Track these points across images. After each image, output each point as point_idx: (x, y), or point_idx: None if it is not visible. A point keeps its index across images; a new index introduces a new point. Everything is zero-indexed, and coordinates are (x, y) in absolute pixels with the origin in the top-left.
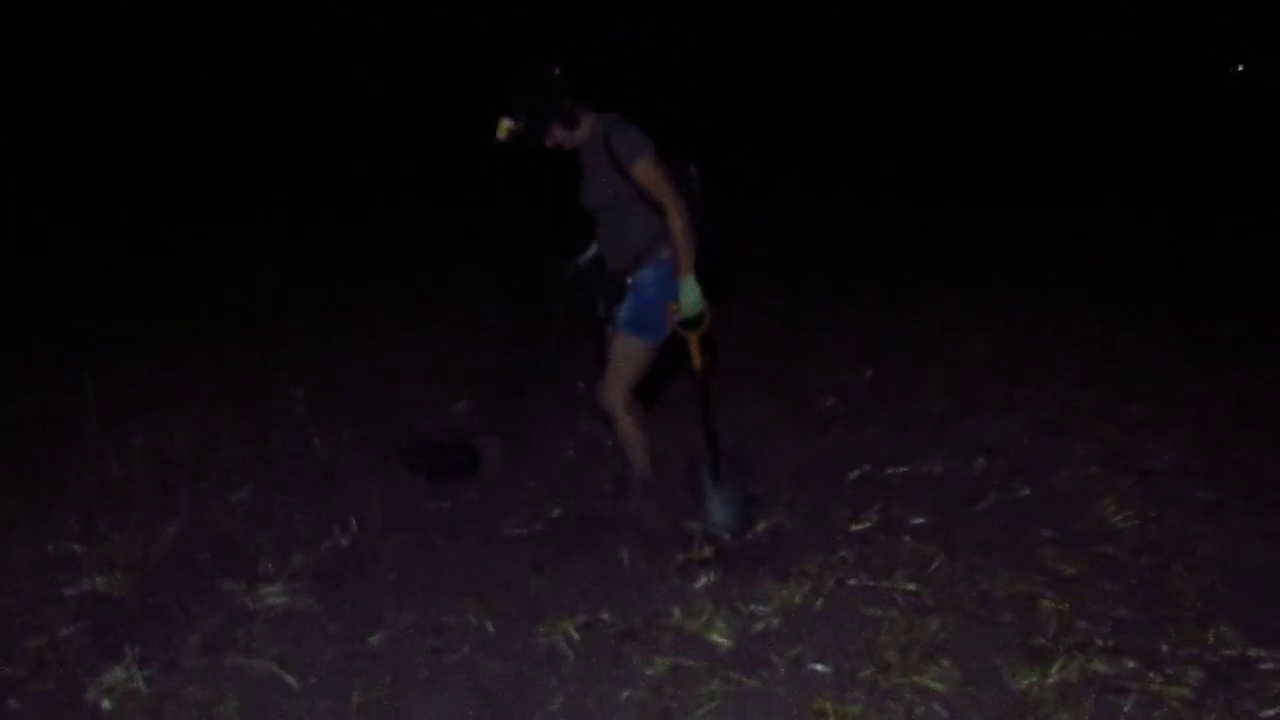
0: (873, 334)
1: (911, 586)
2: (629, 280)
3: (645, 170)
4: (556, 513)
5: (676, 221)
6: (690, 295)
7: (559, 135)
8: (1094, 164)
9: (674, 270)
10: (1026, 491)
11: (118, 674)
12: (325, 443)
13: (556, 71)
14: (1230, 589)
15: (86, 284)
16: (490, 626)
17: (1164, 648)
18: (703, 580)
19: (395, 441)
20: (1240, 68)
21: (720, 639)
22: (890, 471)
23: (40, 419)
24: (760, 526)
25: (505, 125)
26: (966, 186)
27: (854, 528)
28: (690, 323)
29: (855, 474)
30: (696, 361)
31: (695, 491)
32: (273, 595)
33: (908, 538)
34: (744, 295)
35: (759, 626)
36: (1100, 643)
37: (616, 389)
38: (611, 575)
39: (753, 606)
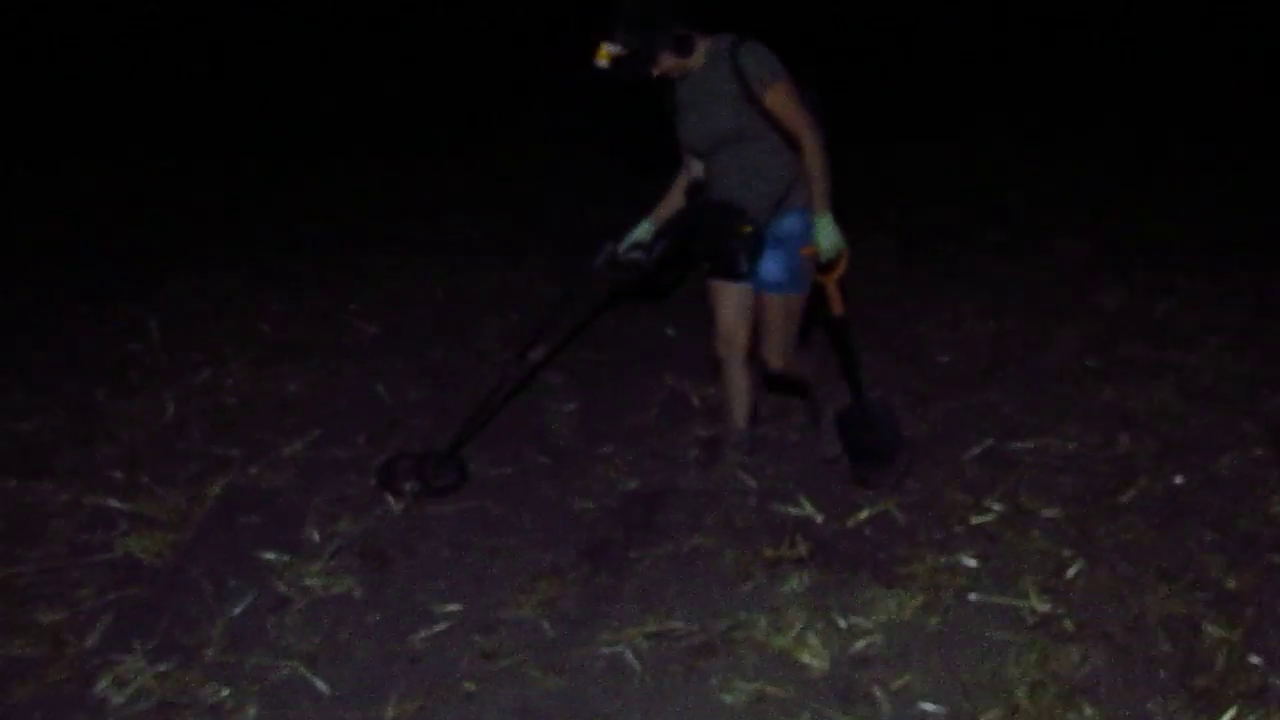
0: (996, 278)
1: (1046, 605)
2: (769, 231)
3: (784, 92)
4: (633, 484)
5: (816, 151)
6: (832, 235)
7: (668, 62)
8: (1230, 80)
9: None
10: (1180, 479)
11: (131, 665)
12: (391, 386)
13: None
14: None
15: (152, 204)
16: (548, 628)
17: None
18: (794, 583)
19: (463, 389)
20: None
21: (813, 660)
22: (1017, 447)
23: (102, 360)
24: (863, 514)
25: (606, 50)
26: (1085, 97)
27: (975, 520)
28: (826, 265)
29: (976, 450)
30: (836, 306)
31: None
32: (311, 575)
33: (1039, 534)
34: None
35: (859, 645)
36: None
37: (784, 349)
38: (688, 569)
39: (853, 620)
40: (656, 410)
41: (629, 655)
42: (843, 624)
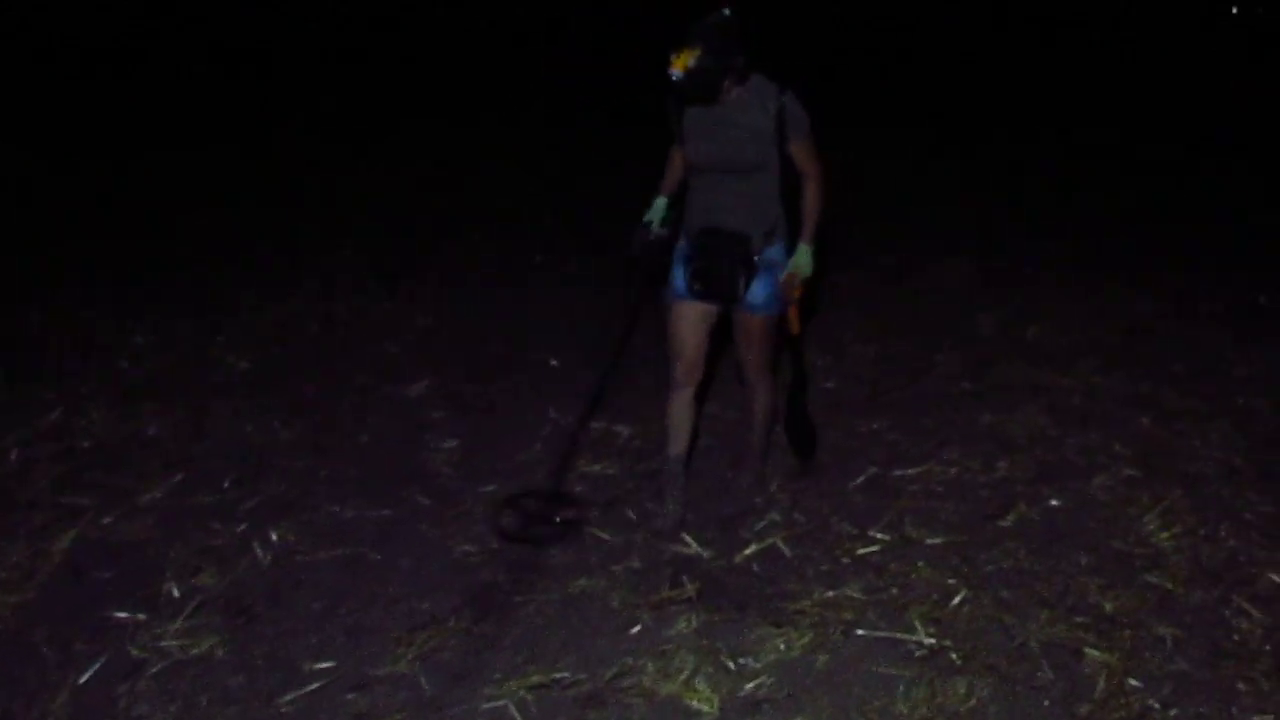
0: (879, 303)
1: (932, 637)
2: (759, 258)
3: (810, 143)
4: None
5: (819, 190)
6: (808, 262)
7: (728, 85)
8: (1108, 106)
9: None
10: (1056, 502)
11: None
12: (260, 425)
13: (736, 17)
14: None
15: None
16: (426, 683)
17: (1234, 711)
18: (682, 624)
19: (338, 428)
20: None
21: (702, 705)
22: (901, 474)
23: None
24: (750, 549)
25: (686, 58)
26: (973, 118)
27: (861, 551)
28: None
29: (861, 479)
30: (795, 325)
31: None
32: (169, 635)
33: (924, 564)
34: None
35: (749, 688)
36: (1158, 707)
37: (766, 361)
38: (574, 614)
39: (742, 661)
40: (541, 445)
41: (512, 709)
42: (732, 666)
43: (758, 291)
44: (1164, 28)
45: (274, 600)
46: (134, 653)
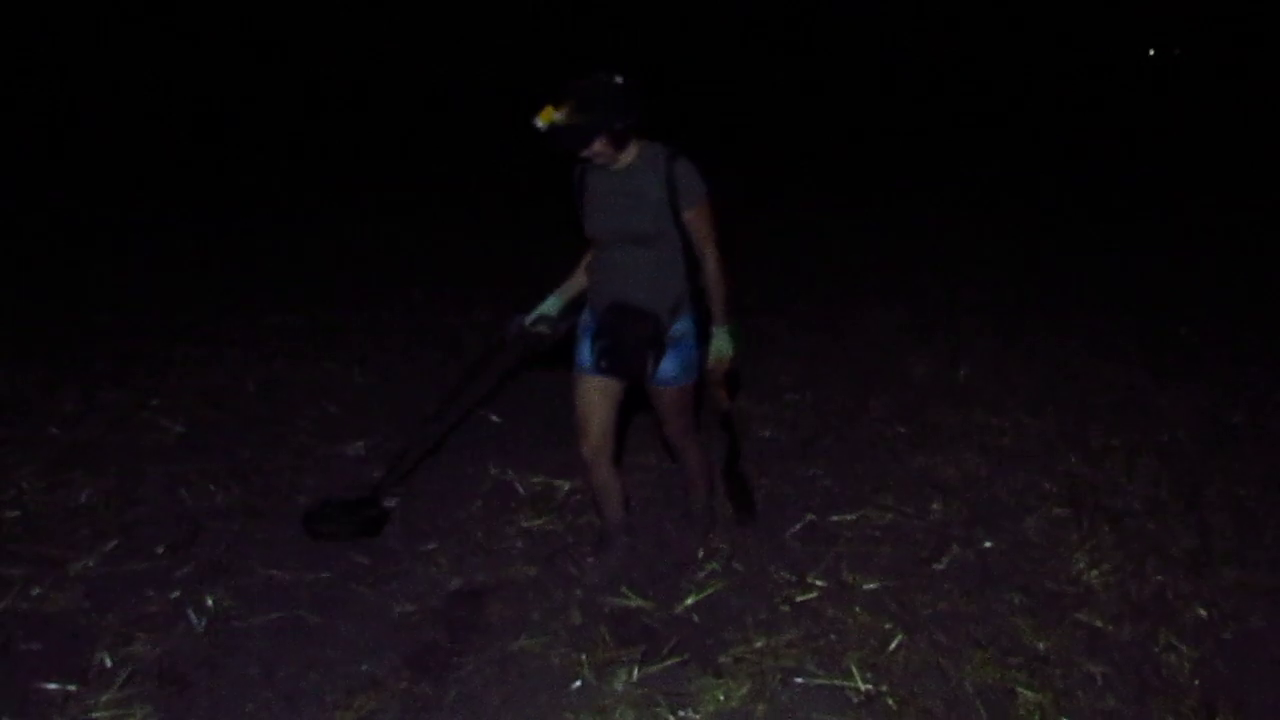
0: (811, 350)
1: (869, 683)
2: (666, 334)
3: (704, 212)
4: (457, 582)
5: (718, 267)
6: (726, 344)
7: (599, 148)
8: (1017, 151)
9: (702, 318)
10: (989, 543)
11: None
12: (196, 492)
13: (622, 81)
14: (1228, 663)
15: None
16: None
17: None
18: (622, 678)
19: (274, 491)
20: (1151, 52)
21: None
22: (838, 520)
23: None
24: (690, 599)
25: (551, 113)
26: (894, 175)
27: (799, 598)
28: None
29: (798, 526)
30: (724, 401)
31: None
32: (100, 707)
33: (860, 609)
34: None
35: None
36: None
37: (685, 427)
38: (513, 672)
39: (682, 714)
40: (481, 502)
41: None
42: (671, 718)
43: (667, 367)
44: (1078, 69)
45: (209, 667)
46: None
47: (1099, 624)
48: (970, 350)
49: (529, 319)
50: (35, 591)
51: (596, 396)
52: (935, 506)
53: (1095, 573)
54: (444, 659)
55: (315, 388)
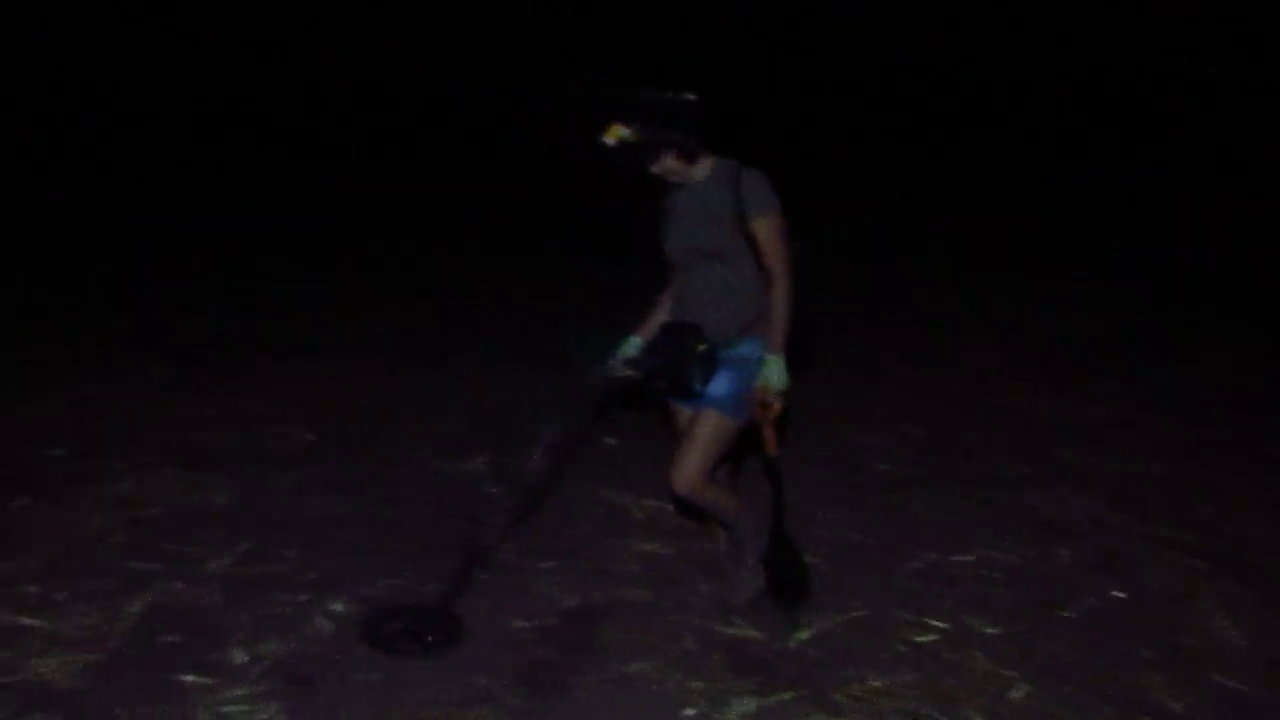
0: (921, 380)
1: None
2: (727, 351)
3: (774, 225)
4: (572, 602)
5: (784, 289)
6: (782, 375)
7: (670, 164)
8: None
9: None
10: (1120, 594)
11: None
12: (322, 500)
13: (694, 98)
14: None
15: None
16: None
17: None
18: (737, 709)
19: (395, 502)
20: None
21: None
22: (957, 560)
23: (19, 465)
24: (805, 633)
25: (619, 130)
26: (1001, 200)
27: (918, 639)
28: (767, 405)
29: (917, 564)
30: (771, 445)
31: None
32: (234, 700)
33: (980, 654)
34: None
35: None
36: None
37: (697, 469)
38: (628, 695)
39: None
40: (594, 524)
41: None
42: None
43: (717, 385)
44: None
45: (334, 671)
46: (201, 715)
47: (1241, 687)
48: (1093, 387)
49: (612, 365)
50: (175, 586)
51: (683, 422)
52: (1060, 551)
53: (1236, 633)
54: (557, 677)
55: (434, 402)
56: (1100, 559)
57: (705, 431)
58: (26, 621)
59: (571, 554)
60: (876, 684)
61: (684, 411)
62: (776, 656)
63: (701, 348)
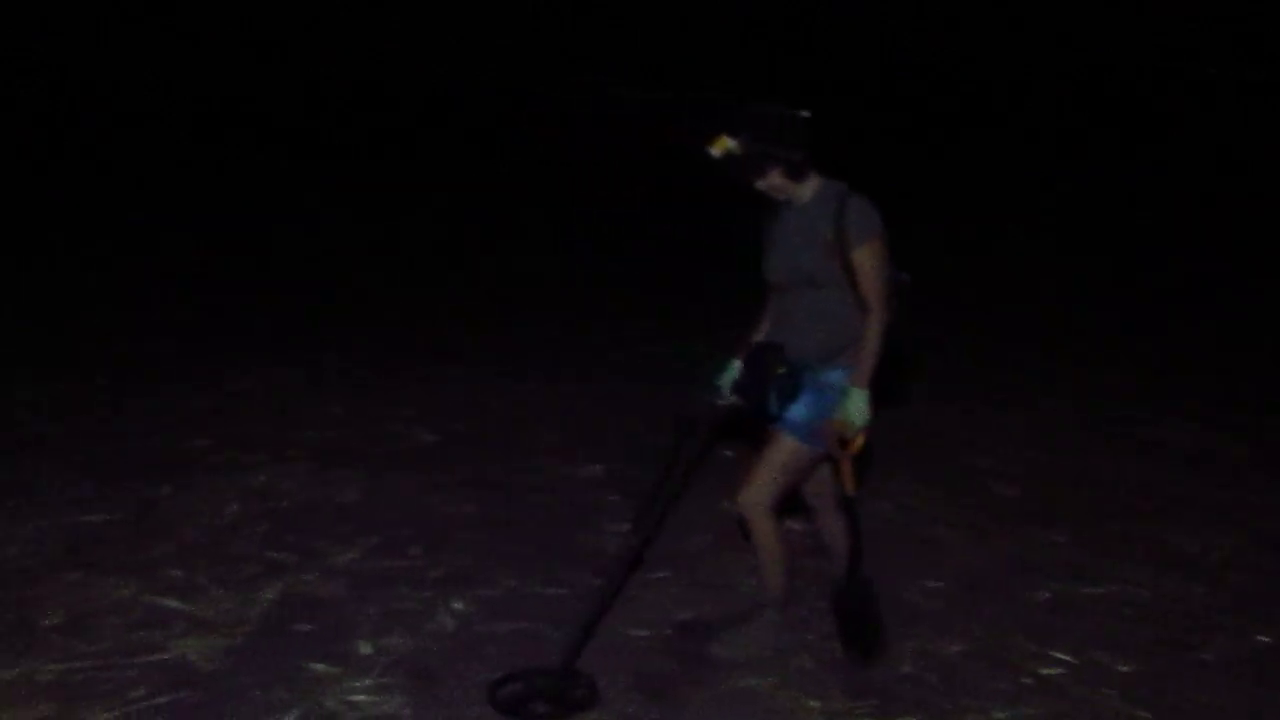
0: (1051, 409)
1: None
2: (813, 376)
3: (872, 254)
4: (687, 614)
5: (879, 321)
6: (863, 410)
7: (775, 180)
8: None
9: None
10: (1264, 638)
11: None
12: (445, 499)
13: (806, 115)
14: None
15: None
16: None
17: None
18: None
19: (514, 504)
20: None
21: None
22: (1086, 592)
23: (165, 454)
24: (924, 659)
25: (726, 142)
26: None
27: (1043, 671)
28: (846, 441)
29: (1043, 594)
30: (849, 484)
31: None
32: (360, 691)
33: (1110, 692)
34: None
35: None
36: None
37: (766, 493)
38: (743, 709)
39: None
40: (712, 536)
41: None
42: None
43: (798, 410)
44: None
45: (455, 667)
46: (329, 704)
47: None
48: (1232, 420)
49: (715, 393)
50: (307, 577)
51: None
52: (1196, 589)
53: None
54: (673, 687)
55: (552, 410)
56: (1239, 599)
57: (777, 456)
58: (171, 604)
59: (688, 566)
60: (1000, 715)
61: (772, 433)
62: (895, 680)
63: (781, 370)
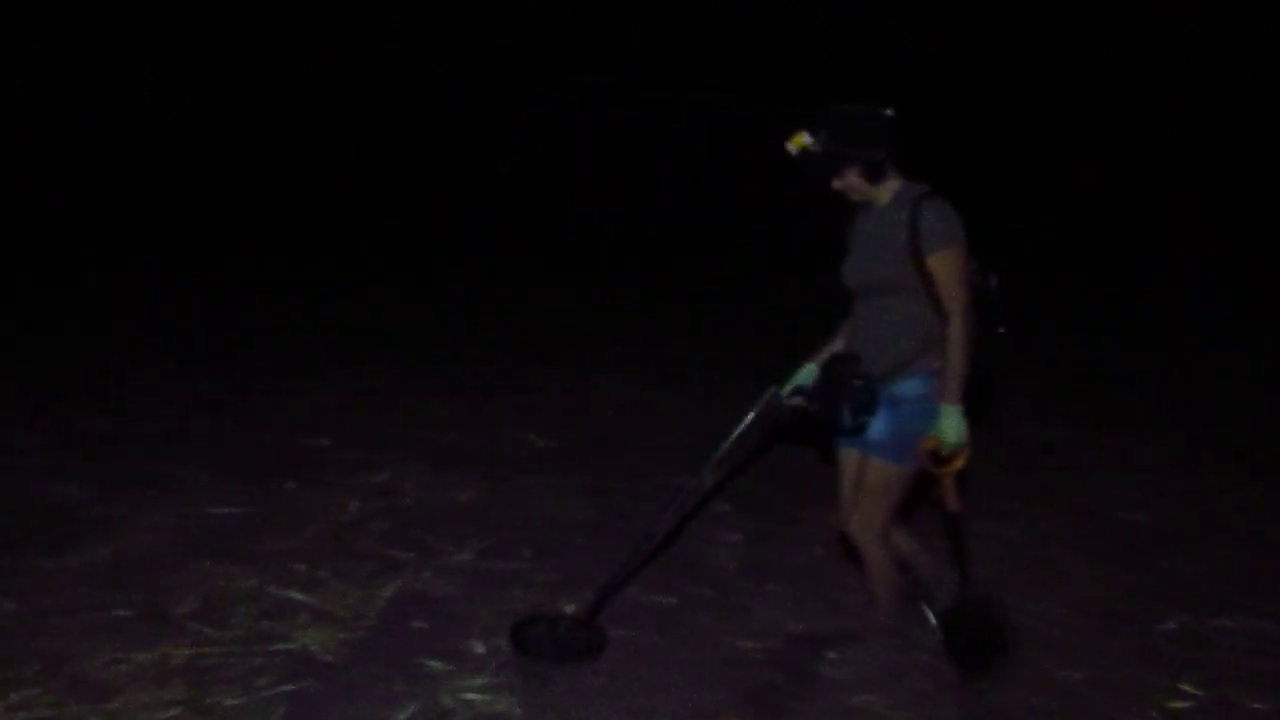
0: (1189, 433)
1: None
2: (886, 389)
3: (948, 261)
4: (798, 627)
5: (959, 333)
6: (956, 427)
7: (853, 180)
8: None
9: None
10: None
11: None
12: (557, 502)
13: (889, 113)
14: None
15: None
16: None
17: None
18: None
19: (622, 512)
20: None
21: None
22: (1219, 625)
23: (290, 451)
24: (1047, 686)
25: (802, 139)
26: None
27: (1171, 705)
28: (946, 458)
29: (1171, 625)
30: (952, 501)
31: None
32: (474, 689)
33: None
34: (1031, 386)
35: None
36: None
37: (870, 520)
38: None
39: None
40: (823, 551)
41: None
42: None
43: (878, 427)
44: None
45: (566, 671)
46: (444, 701)
47: None
48: None
49: (784, 391)
50: (424, 575)
51: (842, 465)
52: None
53: None
54: (781, 701)
55: (661, 417)
56: None
57: (871, 481)
58: (296, 596)
59: (800, 579)
60: None
61: (849, 457)
62: (1013, 706)
63: (857, 382)
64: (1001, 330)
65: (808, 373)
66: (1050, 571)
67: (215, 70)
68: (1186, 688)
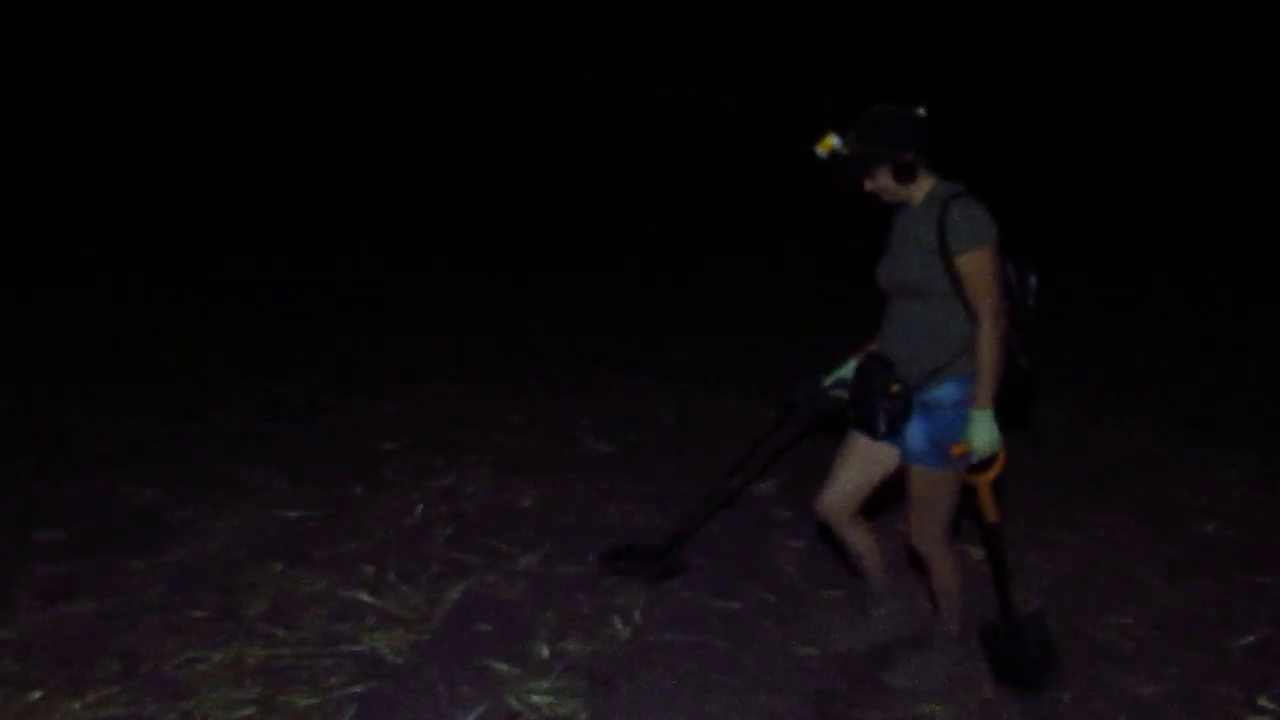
0: (1267, 441)
1: None
2: (921, 396)
3: (977, 262)
4: (860, 635)
5: (991, 336)
6: (988, 432)
7: (883, 181)
8: None
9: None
10: None
11: None
12: (618, 508)
13: (921, 113)
14: None
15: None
16: None
17: None
18: None
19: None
20: None
21: None
22: None
23: (357, 455)
24: (1118, 698)
25: (831, 141)
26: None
27: (1248, 719)
28: (980, 465)
29: (1249, 638)
30: (989, 511)
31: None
32: (539, 692)
33: None
34: (1099, 393)
35: None
36: None
37: (930, 530)
38: None
39: None
40: (888, 559)
41: None
42: None
43: (915, 434)
44: None
45: (629, 674)
46: (511, 703)
47: None
48: None
49: (825, 383)
50: (489, 579)
51: (846, 455)
52: None
53: None
54: (843, 708)
55: (723, 422)
56: None
57: (916, 490)
58: (364, 598)
59: (861, 586)
60: None
61: (857, 451)
62: (1083, 718)
63: (895, 388)
64: (1022, 363)
65: (850, 368)
66: (1121, 582)
67: (215, 70)
68: (1264, 702)
